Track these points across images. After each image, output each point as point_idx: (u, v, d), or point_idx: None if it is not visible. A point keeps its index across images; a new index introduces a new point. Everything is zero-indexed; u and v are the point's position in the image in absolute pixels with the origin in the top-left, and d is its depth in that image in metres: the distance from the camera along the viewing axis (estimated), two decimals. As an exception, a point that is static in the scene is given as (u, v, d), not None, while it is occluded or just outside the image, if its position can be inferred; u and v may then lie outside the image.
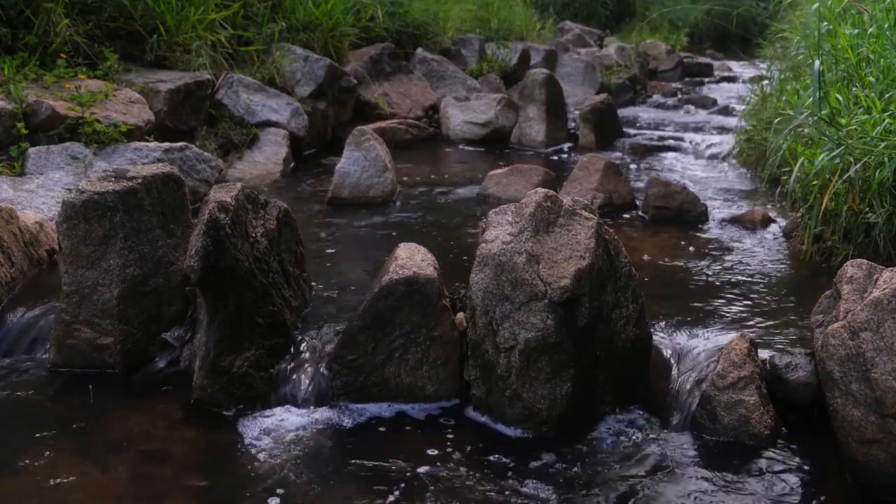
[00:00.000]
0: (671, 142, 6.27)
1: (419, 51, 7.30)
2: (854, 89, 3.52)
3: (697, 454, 2.37)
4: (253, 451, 2.34)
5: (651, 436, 2.45)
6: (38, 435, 2.39)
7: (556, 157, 5.87)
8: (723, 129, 6.67)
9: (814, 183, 3.40)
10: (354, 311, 2.67)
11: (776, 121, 4.58)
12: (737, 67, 11.92)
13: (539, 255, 2.45)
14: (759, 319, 2.86)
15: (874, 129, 3.09)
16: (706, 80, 10.80)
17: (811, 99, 3.38)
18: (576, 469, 2.29)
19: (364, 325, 2.55)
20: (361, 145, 4.34)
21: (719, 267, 3.45)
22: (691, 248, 3.71)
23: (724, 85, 10.21)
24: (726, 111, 7.66)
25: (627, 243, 2.77)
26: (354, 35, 6.57)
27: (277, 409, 2.54)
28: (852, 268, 2.35)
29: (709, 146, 6.01)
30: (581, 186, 4.32)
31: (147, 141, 4.17)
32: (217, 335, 2.51)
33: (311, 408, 2.55)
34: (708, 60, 12.08)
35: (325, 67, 5.76)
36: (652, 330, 2.66)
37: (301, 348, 2.70)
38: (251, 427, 2.46)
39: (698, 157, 5.84)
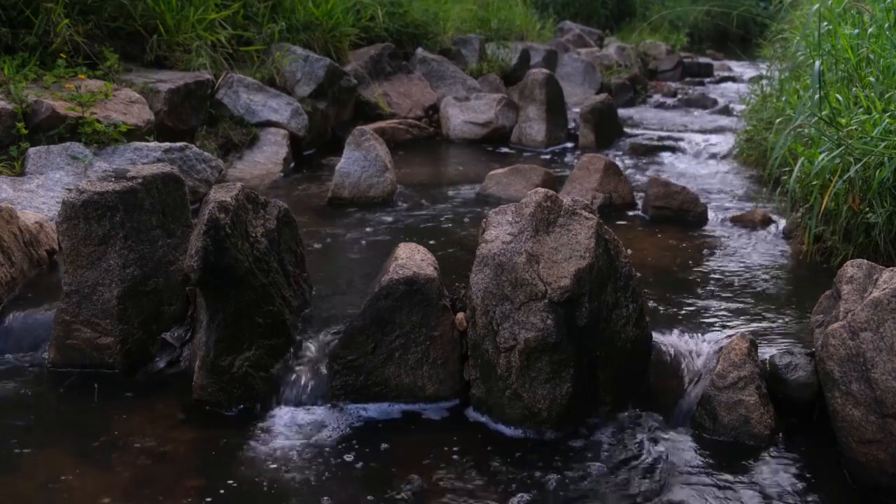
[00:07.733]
0: (671, 142, 6.27)
1: (419, 51, 7.30)
2: (854, 89, 3.52)
3: (697, 454, 2.37)
4: (253, 450, 2.34)
5: (651, 436, 2.45)
6: (38, 435, 2.39)
7: (556, 157, 5.87)
8: (723, 129, 6.67)
9: (814, 183, 3.40)
10: (354, 311, 2.67)
11: (776, 121, 4.58)
12: (737, 67, 11.93)
13: (539, 255, 2.45)
14: (759, 319, 2.86)
15: (874, 129, 3.09)
16: (706, 80, 10.82)
17: (811, 99, 3.38)
18: (576, 469, 2.29)
19: (364, 325, 2.55)
20: (361, 145, 4.34)
21: (719, 267, 3.45)
22: (691, 248, 3.71)
23: (724, 85, 10.22)
24: (726, 111, 7.67)
25: (627, 243, 2.78)
26: (354, 35, 6.58)
27: (277, 409, 2.54)
28: (852, 268, 2.35)
29: (709, 146, 6.01)
30: (581, 186, 4.32)
31: (147, 141, 4.17)
32: (217, 335, 2.51)
33: (311, 408, 2.55)
34: (708, 60, 12.09)
35: (326, 67, 5.76)
36: (652, 330, 2.66)
37: (301, 348, 2.70)
38: (251, 427, 2.46)
39: (698, 157, 5.83)
